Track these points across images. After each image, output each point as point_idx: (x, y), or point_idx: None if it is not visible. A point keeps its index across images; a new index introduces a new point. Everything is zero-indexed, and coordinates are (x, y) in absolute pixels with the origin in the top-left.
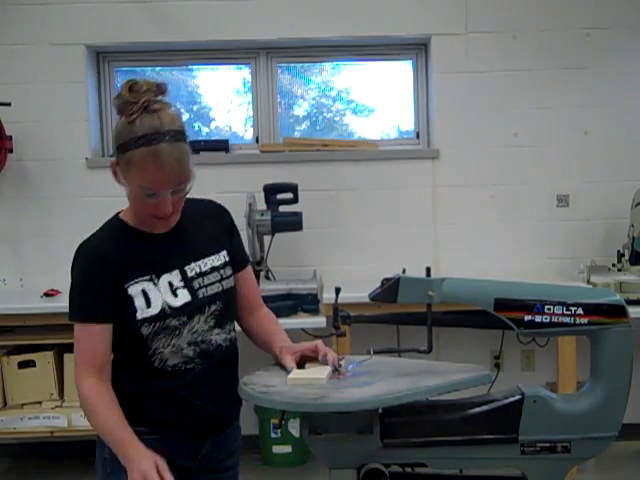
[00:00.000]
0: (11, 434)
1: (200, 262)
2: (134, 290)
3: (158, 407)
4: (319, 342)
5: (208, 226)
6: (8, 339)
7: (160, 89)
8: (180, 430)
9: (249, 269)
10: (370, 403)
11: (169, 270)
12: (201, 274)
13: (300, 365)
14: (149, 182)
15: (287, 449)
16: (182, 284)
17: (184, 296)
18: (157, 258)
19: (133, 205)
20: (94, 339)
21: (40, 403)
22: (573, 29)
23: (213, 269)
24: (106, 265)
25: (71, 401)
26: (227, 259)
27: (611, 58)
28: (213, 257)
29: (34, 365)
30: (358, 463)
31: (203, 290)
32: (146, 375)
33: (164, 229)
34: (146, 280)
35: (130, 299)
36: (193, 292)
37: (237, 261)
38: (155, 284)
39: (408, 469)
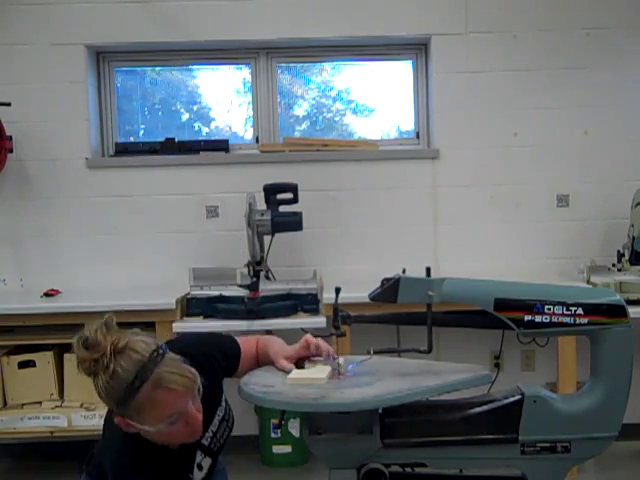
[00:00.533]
0: (11, 434)
1: (211, 426)
2: None
3: None
4: (307, 336)
5: (207, 384)
6: (8, 339)
7: (108, 326)
8: None
9: (244, 350)
10: (370, 403)
11: (194, 457)
12: (214, 435)
13: (299, 365)
14: (171, 410)
15: (287, 449)
16: (203, 456)
17: (207, 463)
18: (183, 457)
19: (160, 442)
20: None
21: (40, 403)
22: (573, 29)
23: (221, 422)
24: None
25: (71, 401)
26: (226, 402)
27: (611, 58)
28: (217, 412)
29: (34, 365)
30: (358, 463)
31: (218, 445)
32: None
33: (195, 438)
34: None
35: None
36: (212, 454)
37: (230, 360)
38: (191, 477)
39: (408, 469)
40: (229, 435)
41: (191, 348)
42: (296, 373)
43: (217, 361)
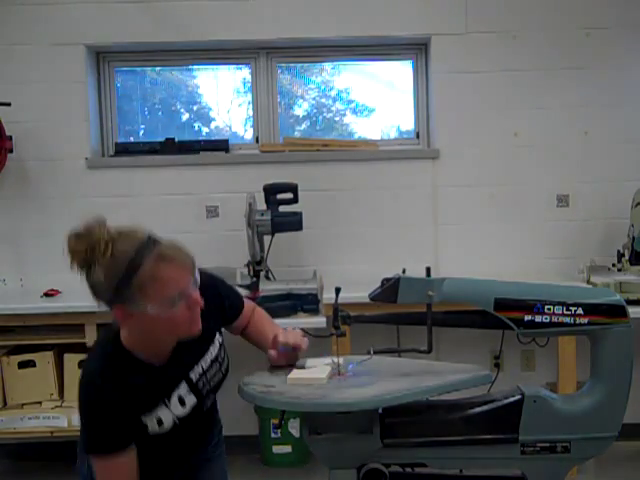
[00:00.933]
0: (11, 434)
1: (202, 361)
2: (149, 419)
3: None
4: (277, 334)
5: (205, 312)
6: (8, 339)
7: (99, 220)
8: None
9: (244, 310)
10: (370, 403)
11: (177, 385)
12: (204, 372)
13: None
14: (174, 285)
15: (287, 449)
16: (188, 390)
17: (191, 401)
18: (165, 380)
19: (160, 332)
20: (124, 470)
21: (40, 403)
22: (573, 29)
23: (213, 362)
24: (122, 401)
25: (71, 401)
26: (221, 340)
27: (611, 58)
28: (211, 349)
29: (34, 365)
30: (358, 463)
31: (207, 387)
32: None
33: (196, 331)
34: (159, 407)
35: (144, 426)
36: (199, 393)
37: (232, 313)
38: (167, 405)
39: (408, 469)
40: (220, 382)
41: (204, 278)
42: (296, 373)
43: (222, 303)
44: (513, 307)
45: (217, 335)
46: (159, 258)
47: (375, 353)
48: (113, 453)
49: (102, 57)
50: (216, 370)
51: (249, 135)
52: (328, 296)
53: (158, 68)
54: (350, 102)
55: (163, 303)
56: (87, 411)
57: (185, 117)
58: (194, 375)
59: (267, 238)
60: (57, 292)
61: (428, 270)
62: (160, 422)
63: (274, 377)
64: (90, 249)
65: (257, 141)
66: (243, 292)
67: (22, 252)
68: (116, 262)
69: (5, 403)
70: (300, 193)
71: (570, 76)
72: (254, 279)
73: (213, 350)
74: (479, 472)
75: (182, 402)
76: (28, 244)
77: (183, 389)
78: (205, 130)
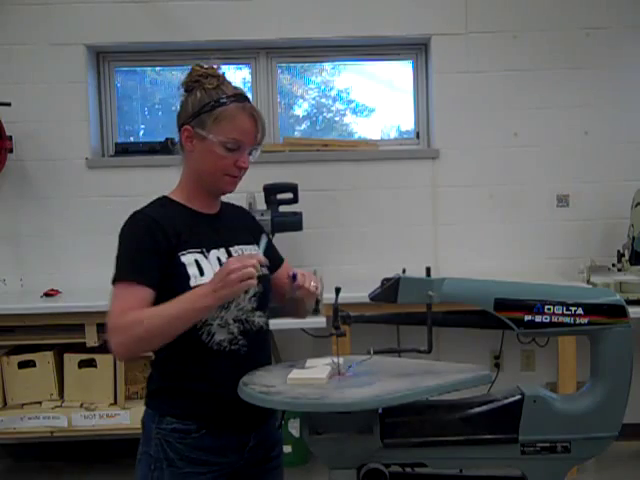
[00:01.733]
0: (11, 434)
1: (243, 246)
2: (187, 259)
3: (204, 396)
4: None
5: (244, 222)
6: (8, 339)
7: (219, 72)
8: (227, 422)
9: (285, 264)
10: (370, 403)
11: (217, 247)
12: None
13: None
14: (239, 132)
15: (287, 449)
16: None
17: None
18: (206, 234)
19: (206, 165)
20: (135, 301)
21: (40, 403)
22: (573, 29)
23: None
24: (162, 229)
25: (71, 401)
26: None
27: (611, 58)
28: (252, 246)
29: (34, 365)
30: (358, 463)
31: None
32: (193, 352)
33: (231, 189)
34: (198, 252)
35: (183, 267)
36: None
37: (274, 260)
38: (206, 257)
39: (408, 469)
40: (259, 277)
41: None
42: (296, 373)
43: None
44: (513, 307)
45: (258, 248)
46: (246, 110)
47: (375, 353)
48: (136, 281)
49: (102, 57)
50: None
51: None
52: (328, 296)
53: (158, 68)
54: (350, 102)
55: (222, 139)
56: (124, 236)
57: None
58: (234, 251)
59: None
60: (57, 292)
61: (428, 270)
62: (200, 268)
63: (274, 377)
64: (203, 77)
65: None
66: None
67: (22, 252)
68: (213, 94)
69: (5, 403)
70: (300, 193)
71: (570, 76)
72: None
73: (254, 250)
74: (479, 472)
75: (220, 262)
76: (28, 244)
77: (223, 255)
78: None
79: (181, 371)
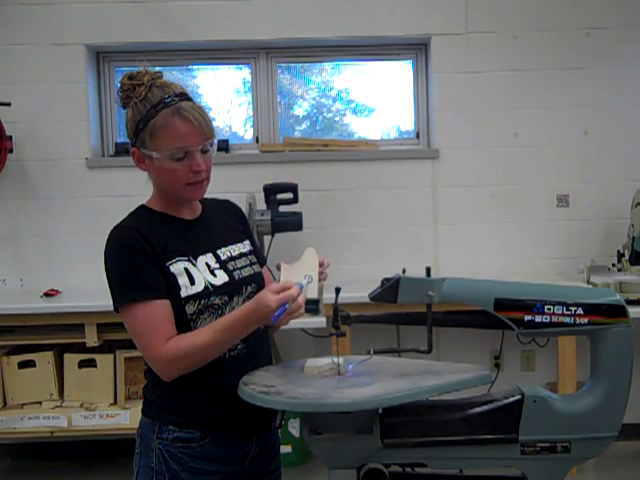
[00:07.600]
0: (11, 434)
1: (230, 247)
2: (176, 269)
3: (207, 402)
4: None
5: (228, 220)
6: (8, 339)
7: (157, 74)
8: (230, 427)
9: (265, 269)
10: (370, 403)
11: (204, 252)
12: (233, 258)
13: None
14: (179, 139)
15: (287, 449)
16: (218, 265)
17: (222, 276)
18: (191, 240)
19: (164, 182)
20: (163, 322)
21: (40, 403)
22: (573, 29)
23: (242, 255)
24: (148, 240)
25: (71, 401)
26: (251, 248)
27: (611, 58)
28: (239, 244)
29: (34, 365)
30: (358, 463)
31: (238, 272)
32: None
33: (197, 196)
34: (185, 260)
35: (173, 277)
36: (229, 273)
37: (260, 259)
38: (194, 264)
39: (408, 469)
40: (251, 277)
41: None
42: (312, 362)
43: (248, 233)
44: (513, 307)
45: (247, 241)
46: (176, 112)
47: (375, 353)
48: (144, 299)
49: (102, 57)
50: (246, 263)
51: (249, 135)
52: (328, 296)
53: (158, 68)
54: (350, 102)
55: (166, 153)
56: (113, 256)
57: None
58: (222, 254)
59: (267, 238)
60: (57, 292)
61: (428, 270)
62: (190, 277)
63: (274, 377)
64: (132, 88)
65: (257, 141)
66: None
67: (22, 252)
68: (143, 104)
69: (5, 403)
70: (300, 193)
71: (570, 76)
72: None
73: (242, 248)
74: (479, 472)
75: (212, 272)
76: (28, 244)
77: (211, 260)
78: None
79: (182, 379)
